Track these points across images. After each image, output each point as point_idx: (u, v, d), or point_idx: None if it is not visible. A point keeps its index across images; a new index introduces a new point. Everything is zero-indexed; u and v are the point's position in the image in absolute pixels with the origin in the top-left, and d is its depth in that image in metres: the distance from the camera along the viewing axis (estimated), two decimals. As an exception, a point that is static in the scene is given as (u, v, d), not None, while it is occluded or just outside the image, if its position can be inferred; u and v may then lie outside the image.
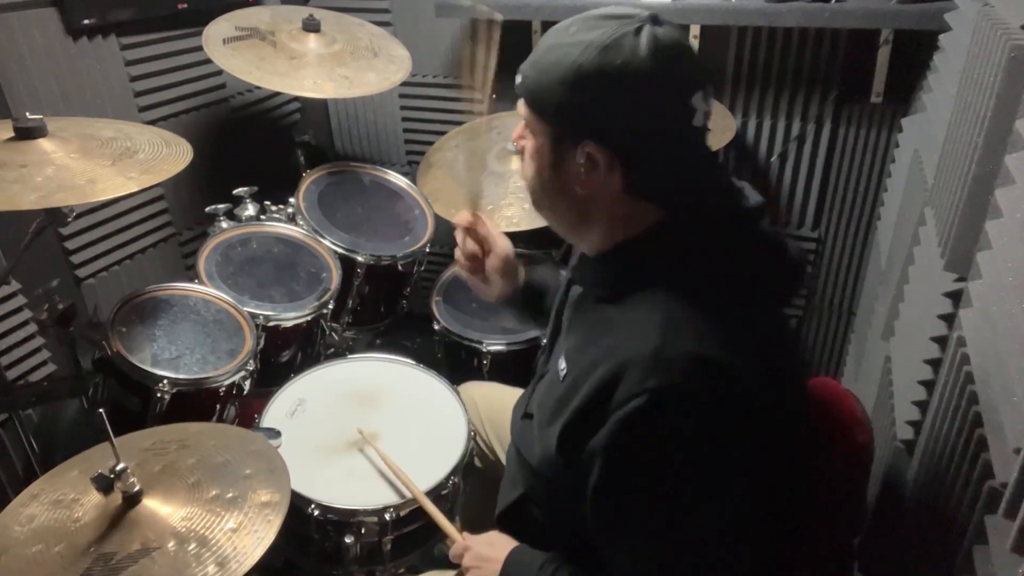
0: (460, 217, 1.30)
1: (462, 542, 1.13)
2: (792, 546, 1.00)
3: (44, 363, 1.86)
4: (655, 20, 0.83)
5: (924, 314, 1.20)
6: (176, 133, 1.53)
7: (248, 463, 1.12)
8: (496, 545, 1.08)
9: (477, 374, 1.84)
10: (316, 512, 1.33)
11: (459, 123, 2.32)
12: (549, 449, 0.93)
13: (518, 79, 0.91)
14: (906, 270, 1.44)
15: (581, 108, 0.84)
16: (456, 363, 1.91)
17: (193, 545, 0.97)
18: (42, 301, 1.47)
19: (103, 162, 1.34)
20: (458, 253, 1.32)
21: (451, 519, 1.42)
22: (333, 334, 1.99)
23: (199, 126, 2.25)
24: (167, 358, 1.53)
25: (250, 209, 1.97)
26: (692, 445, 0.81)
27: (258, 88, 2.18)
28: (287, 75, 1.90)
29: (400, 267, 2.00)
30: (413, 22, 2.42)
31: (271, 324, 1.72)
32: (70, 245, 1.90)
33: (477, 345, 1.85)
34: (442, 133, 2.29)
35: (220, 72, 2.22)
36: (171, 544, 0.98)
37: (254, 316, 1.68)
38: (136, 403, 1.50)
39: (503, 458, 1.48)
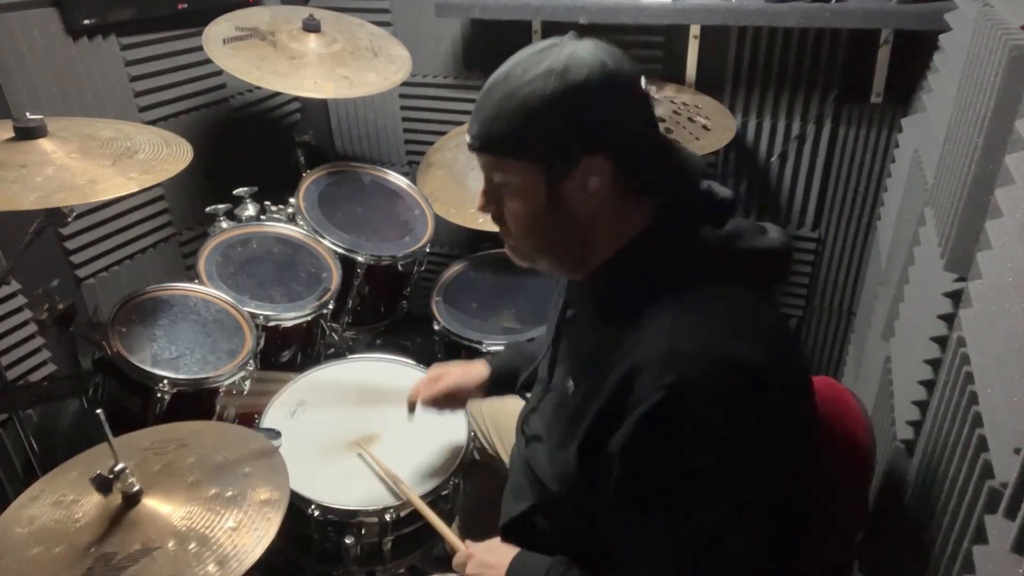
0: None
1: (465, 550, 1.13)
2: (793, 546, 1.00)
3: (44, 363, 1.85)
4: (578, 37, 0.90)
5: (924, 314, 1.20)
6: (176, 133, 1.53)
7: (247, 461, 1.13)
8: (498, 551, 1.08)
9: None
10: (316, 512, 1.33)
11: (459, 123, 2.32)
12: (568, 468, 0.94)
13: (475, 143, 0.92)
14: (906, 270, 1.43)
15: (568, 128, 0.87)
16: (456, 363, 1.91)
17: (193, 544, 0.98)
18: (42, 301, 1.47)
19: (103, 162, 1.34)
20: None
21: (451, 519, 1.42)
22: (333, 334, 1.99)
23: (199, 126, 2.25)
24: (167, 358, 1.53)
25: (250, 209, 1.97)
26: (712, 438, 0.82)
27: (258, 88, 2.18)
28: (287, 75, 1.90)
29: (400, 267, 2.00)
30: (413, 22, 2.42)
31: (271, 324, 1.72)
32: (70, 245, 1.90)
33: (477, 345, 1.85)
34: (442, 133, 2.29)
35: (220, 72, 2.22)
36: (171, 543, 0.98)
37: (254, 316, 1.68)
38: (136, 403, 1.50)
39: (502, 453, 1.49)
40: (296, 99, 2.64)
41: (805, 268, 2.30)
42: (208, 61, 1.89)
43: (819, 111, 2.10)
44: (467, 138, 0.94)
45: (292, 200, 1.99)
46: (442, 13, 2.20)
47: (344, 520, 1.34)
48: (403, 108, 2.60)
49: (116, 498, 1.03)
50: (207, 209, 1.90)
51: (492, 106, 0.90)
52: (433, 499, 1.35)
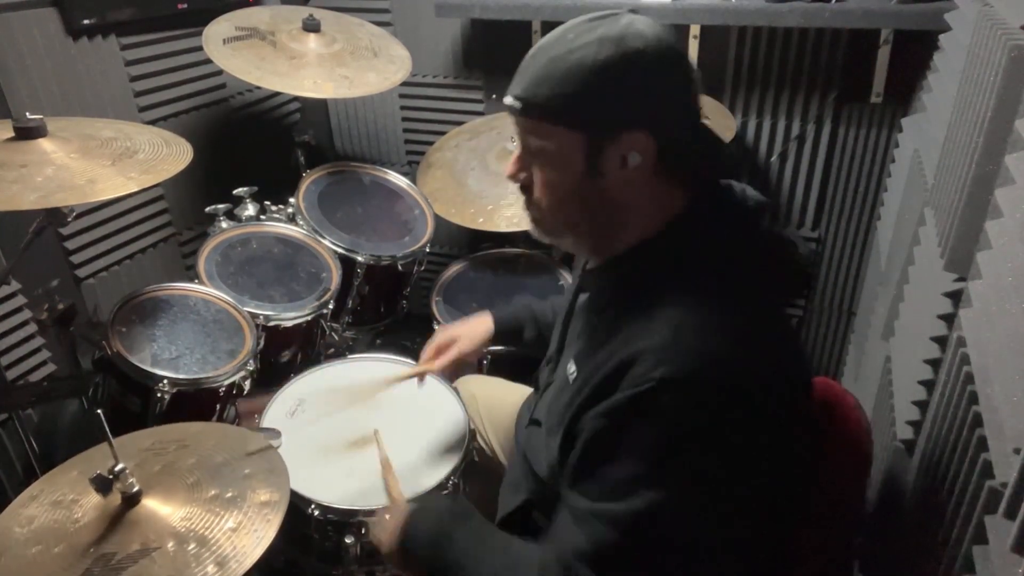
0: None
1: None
2: (792, 546, 1.00)
3: (44, 363, 1.86)
4: (635, 11, 0.88)
5: (924, 314, 1.20)
6: (176, 133, 1.53)
7: (247, 463, 1.12)
8: (391, 517, 1.12)
9: (477, 374, 1.84)
10: (316, 512, 1.33)
11: (459, 123, 2.32)
12: (553, 451, 0.93)
13: (516, 105, 0.89)
14: (906, 270, 1.43)
15: (615, 100, 0.84)
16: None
17: (193, 545, 0.98)
18: (42, 301, 1.47)
19: (103, 162, 1.34)
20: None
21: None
22: (333, 334, 1.99)
23: (199, 126, 2.25)
24: (167, 358, 1.53)
25: (250, 209, 1.97)
26: (684, 440, 0.81)
27: (258, 88, 2.18)
28: (287, 75, 1.90)
29: (400, 267, 2.00)
30: (413, 22, 2.42)
31: (271, 324, 1.72)
32: (70, 245, 1.90)
33: (477, 345, 1.84)
34: (442, 133, 2.29)
35: (220, 72, 2.22)
36: (171, 544, 0.98)
37: (254, 316, 1.68)
38: (136, 403, 1.50)
39: (500, 455, 1.49)
40: (296, 99, 2.64)
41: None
42: (208, 61, 1.89)
43: (819, 111, 2.10)
44: (507, 99, 0.90)
45: (292, 200, 1.99)
46: (442, 13, 2.20)
47: (344, 520, 1.34)
48: (403, 108, 2.60)
49: (116, 498, 1.02)
50: (207, 209, 1.89)
51: (539, 68, 0.86)
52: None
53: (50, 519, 1.04)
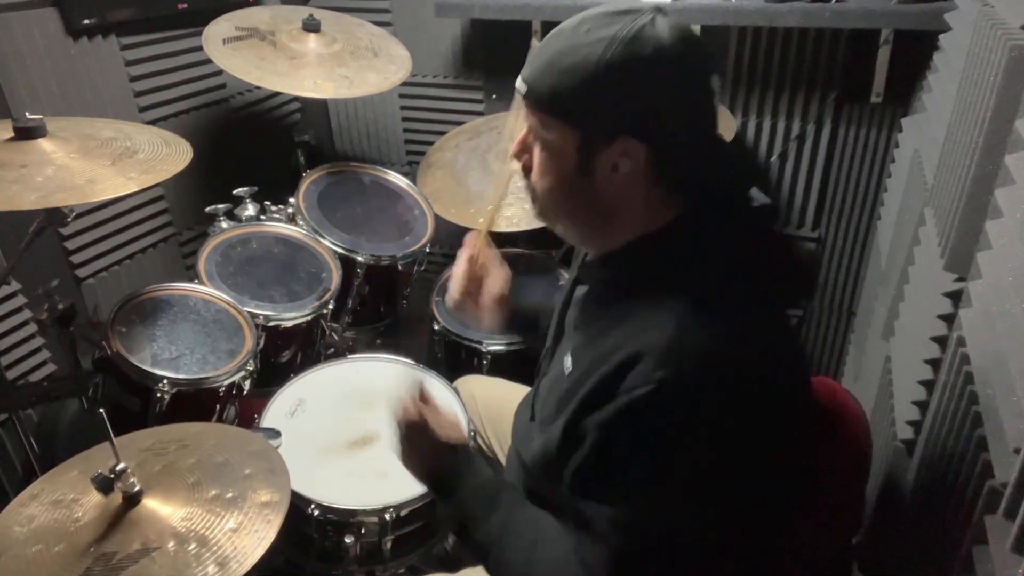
0: (471, 240, 1.28)
1: (411, 407, 1.07)
2: (791, 546, 1.00)
3: (44, 363, 1.86)
4: (661, 11, 0.85)
5: (924, 314, 1.20)
6: (176, 133, 1.52)
7: (248, 463, 1.13)
8: (443, 434, 1.04)
9: (476, 374, 1.84)
10: (316, 512, 1.33)
11: (459, 123, 2.32)
12: (550, 444, 0.92)
13: (523, 88, 0.88)
14: (906, 270, 1.43)
15: (615, 104, 0.83)
16: (456, 363, 1.91)
17: (193, 545, 0.98)
18: (42, 301, 1.47)
19: (103, 162, 1.34)
20: (454, 285, 1.31)
21: (451, 519, 1.42)
22: (333, 334, 1.99)
23: (199, 126, 2.25)
24: (167, 358, 1.53)
25: (250, 209, 1.97)
26: (688, 440, 0.81)
27: (258, 88, 2.18)
28: (287, 75, 1.90)
29: (400, 267, 2.00)
30: (413, 22, 2.42)
31: (271, 324, 1.72)
32: (70, 245, 1.90)
33: (477, 345, 1.85)
34: (442, 133, 2.29)
35: (220, 72, 2.22)
36: (171, 544, 0.98)
37: (254, 316, 1.68)
38: (136, 403, 1.50)
39: (500, 455, 1.48)
40: (296, 99, 2.64)
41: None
42: (208, 61, 1.89)
43: (819, 111, 2.10)
44: (518, 80, 0.90)
45: (292, 200, 1.99)
46: (442, 13, 2.20)
47: (344, 520, 1.34)
48: (403, 108, 2.60)
49: (116, 498, 1.02)
50: (207, 209, 1.89)
51: (549, 56, 0.85)
52: (433, 499, 1.35)
53: (50, 518, 1.04)
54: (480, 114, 2.45)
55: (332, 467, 1.42)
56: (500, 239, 2.15)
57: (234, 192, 1.97)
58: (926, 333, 1.17)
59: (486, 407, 1.55)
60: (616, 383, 0.82)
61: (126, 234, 2.06)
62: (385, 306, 2.12)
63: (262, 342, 1.67)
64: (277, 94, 2.53)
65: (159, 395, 1.47)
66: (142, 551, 0.97)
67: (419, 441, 1.05)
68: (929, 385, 1.16)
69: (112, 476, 1.00)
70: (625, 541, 0.84)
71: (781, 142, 2.17)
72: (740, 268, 0.87)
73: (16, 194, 1.20)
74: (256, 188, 2.00)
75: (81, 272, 1.95)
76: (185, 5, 2.06)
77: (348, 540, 1.34)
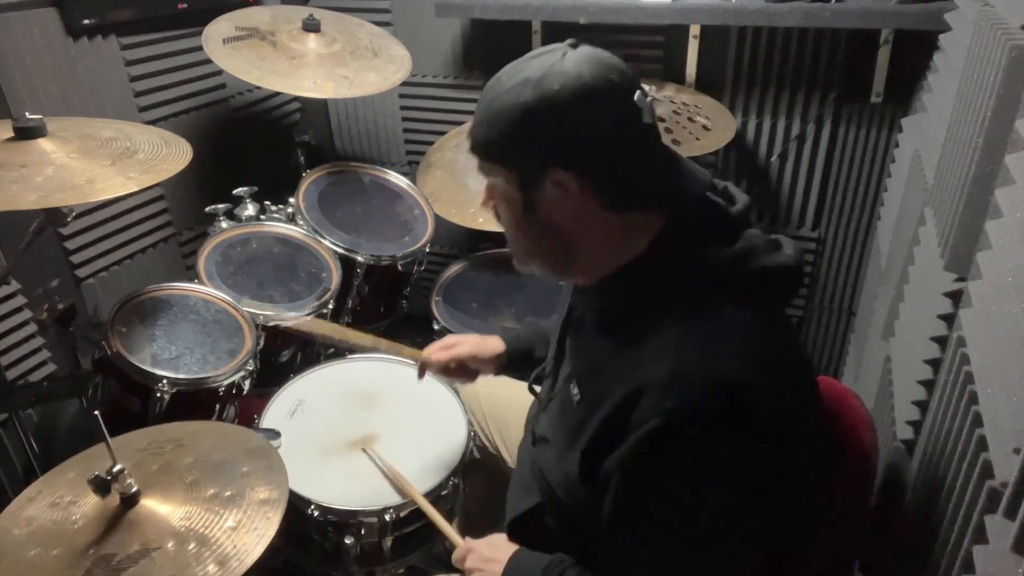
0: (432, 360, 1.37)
1: (464, 545, 1.13)
2: (796, 548, 1.00)
3: (44, 363, 1.86)
4: (574, 45, 0.89)
5: (924, 314, 1.20)
6: (176, 133, 1.52)
7: (245, 460, 1.12)
8: (498, 547, 1.09)
9: (477, 374, 1.84)
10: (316, 513, 1.33)
11: (459, 123, 2.33)
12: (571, 473, 0.94)
13: (468, 144, 0.93)
14: (906, 270, 1.43)
15: (535, 140, 0.86)
16: (456, 363, 1.90)
17: (193, 544, 0.97)
18: (42, 301, 1.47)
19: (103, 162, 1.34)
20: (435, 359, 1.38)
21: (451, 518, 1.42)
22: (333, 334, 1.99)
23: (199, 126, 2.25)
24: (167, 358, 1.53)
25: (250, 209, 1.97)
26: (709, 467, 0.82)
27: (258, 88, 2.18)
28: (287, 75, 1.90)
29: (400, 267, 2.00)
30: (413, 22, 2.42)
31: (271, 324, 1.72)
32: (70, 245, 1.90)
33: (477, 345, 1.84)
34: (442, 133, 2.29)
35: (220, 72, 2.22)
36: (171, 544, 0.98)
37: (254, 316, 1.68)
38: (136, 403, 1.50)
39: (503, 451, 1.48)
40: (296, 99, 2.64)
41: (805, 268, 2.29)
42: (208, 61, 1.89)
43: (819, 111, 2.10)
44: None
45: (292, 200, 1.99)
46: (442, 13, 2.20)
47: (344, 520, 1.34)
48: (403, 108, 2.60)
49: (114, 499, 1.02)
50: (207, 209, 1.90)
51: (481, 111, 0.91)
52: (433, 499, 1.35)
53: (48, 520, 1.03)
54: (480, 114, 2.44)
55: (332, 467, 1.42)
56: (500, 239, 2.15)
57: (234, 192, 1.97)
58: (926, 333, 1.16)
59: (490, 403, 1.55)
60: (626, 417, 0.84)
61: (126, 234, 2.06)
62: (385, 306, 2.12)
63: (262, 342, 1.67)
64: (277, 94, 2.53)
65: (159, 395, 1.47)
66: (142, 552, 0.96)
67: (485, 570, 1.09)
68: (929, 385, 1.16)
69: (109, 477, 1.00)
70: (671, 569, 0.88)
71: (781, 142, 2.17)
72: (727, 277, 0.87)
73: (16, 194, 1.20)
74: (256, 188, 2.00)
75: (81, 272, 1.95)
76: (185, 5, 2.06)
77: (348, 540, 1.34)
